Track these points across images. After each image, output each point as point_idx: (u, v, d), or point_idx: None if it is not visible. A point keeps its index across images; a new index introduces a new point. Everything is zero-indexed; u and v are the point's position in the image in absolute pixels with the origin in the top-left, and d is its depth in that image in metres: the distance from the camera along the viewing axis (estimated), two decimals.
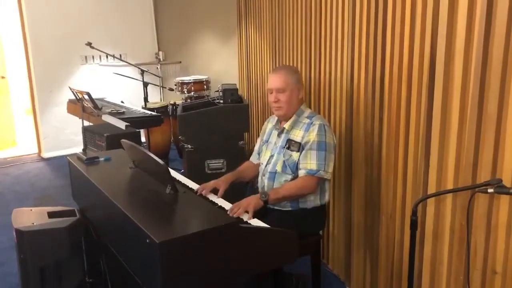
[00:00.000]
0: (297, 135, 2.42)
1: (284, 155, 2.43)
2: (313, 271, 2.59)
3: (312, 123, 2.40)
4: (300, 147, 2.38)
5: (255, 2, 4.57)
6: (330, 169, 2.37)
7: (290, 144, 2.43)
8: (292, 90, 2.41)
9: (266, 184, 2.49)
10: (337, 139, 2.91)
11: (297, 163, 2.38)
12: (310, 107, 3.28)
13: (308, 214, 2.44)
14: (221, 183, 2.42)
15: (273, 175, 2.46)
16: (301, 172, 2.36)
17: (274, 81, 2.44)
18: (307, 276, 2.67)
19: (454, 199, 1.96)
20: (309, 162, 2.34)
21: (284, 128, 2.47)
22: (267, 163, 2.52)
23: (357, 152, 2.70)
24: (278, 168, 2.44)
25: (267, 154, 2.55)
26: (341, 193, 2.95)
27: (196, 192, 2.34)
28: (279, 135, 2.52)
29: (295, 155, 2.39)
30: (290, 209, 2.43)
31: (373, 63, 2.45)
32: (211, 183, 2.40)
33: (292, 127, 2.45)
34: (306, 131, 2.39)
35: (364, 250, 2.73)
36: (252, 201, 2.17)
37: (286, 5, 3.67)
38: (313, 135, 2.35)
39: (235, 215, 2.07)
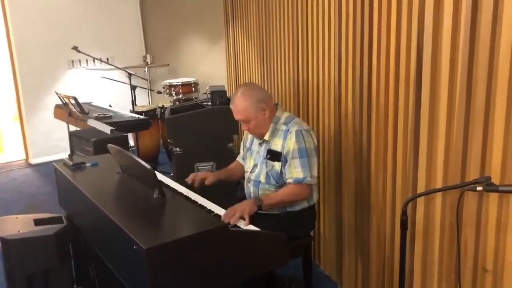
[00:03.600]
0: (277, 144, 2.39)
1: (267, 165, 2.42)
2: (304, 272, 2.58)
3: (288, 130, 2.35)
4: (281, 156, 2.36)
5: (242, 4, 4.55)
6: (315, 173, 2.36)
7: (270, 154, 2.41)
8: (256, 116, 2.36)
9: (251, 190, 2.49)
10: (326, 141, 2.91)
11: (280, 173, 2.37)
12: (298, 109, 3.27)
13: (296, 216, 2.43)
14: (211, 175, 2.50)
15: (257, 183, 2.46)
16: (289, 181, 2.35)
17: (236, 113, 2.40)
18: (299, 278, 2.66)
19: (443, 197, 1.95)
20: (294, 171, 2.32)
21: (264, 139, 2.44)
22: (251, 171, 2.51)
23: (346, 152, 2.69)
24: (262, 178, 2.43)
25: (251, 163, 2.54)
26: (331, 194, 2.94)
27: (186, 196, 2.33)
28: (260, 144, 2.49)
29: (277, 165, 2.38)
30: (277, 212, 2.41)
31: (360, 63, 2.44)
32: (201, 173, 2.51)
33: (272, 136, 2.42)
34: (284, 139, 2.36)
35: (355, 251, 2.72)
36: (247, 207, 2.16)
37: (272, 6, 3.66)
38: (291, 143, 2.32)
39: (231, 223, 2.06)
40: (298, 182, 2.32)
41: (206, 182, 2.43)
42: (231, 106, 2.42)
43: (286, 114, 2.47)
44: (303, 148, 2.31)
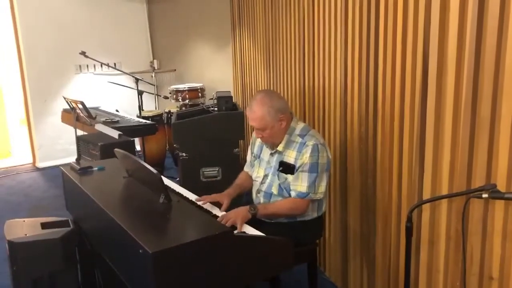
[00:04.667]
0: (291, 156, 2.32)
1: (279, 177, 2.36)
2: (309, 278, 2.57)
3: (305, 143, 2.28)
4: (294, 169, 2.31)
5: (249, 10, 4.58)
6: (321, 189, 2.31)
7: (283, 167, 2.34)
8: (272, 125, 2.28)
9: (261, 201, 2.44)
10: (331, 147, 2.91)
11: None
12: (304, 116, 3.28)
13: (305, 225, 2.41)
14: (224, 197, 2.37)
15: (269, 195, 2.41)
16: (292, 194, 2.32)
17: (251, 119, 2.30)
18: (304, 284, 2.65)
19: (449, 204, 1.95)
20: (300, 184, 2.28)
21: (277, 149, 2.38)
22: (262, 183, 2.45)
23: (352, 159, 2.69)
24: (274, 190, 2.38)
25: (261, 172, 2.47)
26: (336, 200, 2.94)
27: (192, 201, 2.33)
28: (272, 154, 2.42)
29: (290, 177, 2.33)
30: (285, 221, 2.39)
31: (366, 70, 2.45)
32: (213, 196, 2.36)
33: (285, 147, 2.35)
34: (299, 152, 2.29)
35: (361, 257, 2.72)
36: (240, 214, 2.15)
37: (279, 13, 3.68)
38: (306, 157, 2.26)
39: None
40: (299, 197, 2.28)
41: (223, 210, 2.30)
42: (247, 111, 2.33)
43: (301, 125, 2.39)
44: (316, 164, 2.26)
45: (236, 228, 2.06)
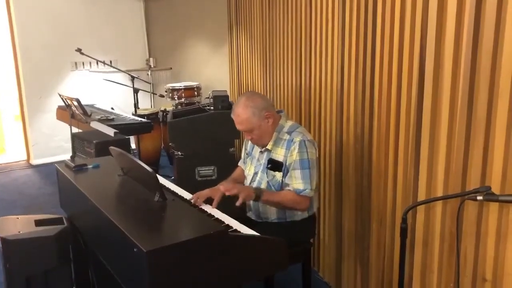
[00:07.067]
0: (279, 153, 2.34)
1: (268, 175, 2.38)
2: (303, 279, 2.58)
3: (292, 140, 2.30)
4: (283, 167, 2.32)
5: (246, 9, 4.57)
6: (314, 186, 2.32)
7: (272, 164, 2.36)
8: (259, 125, 2.30)
9: (251, 201, 2.40)
10: (327, 147, 2.91)
11: (282, 183, 2.34)
12: (300, 116, 3.28)
13: (297, 225, 2.41)
14: (216, 192, 2.31)
15: None
16: (289, 190, 2.31)
17: (238, 123, 2.33)
18: (298, 284, 2.65)
19: (443, 206, 1.96)
20: (295, 182, 2.29)
21: (266, 148, 2.39)
22: (252, 180, 2.46)
23: (347, 159, 2.69)
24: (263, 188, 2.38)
25: (251, 170, 2.49)
26: (331, 201, 2.94)
27: (187, 200, 2.33)
28: (262, 152, 2.43)
29: (278, 175, 2.34)
30: (277, 221, 2.40)
31: (363, 70, 2.45)
32: (206, 192, 2.32)
33: (274, 145, 2.36)
34: (287, 149, 2.31)
35: (355, 258, 2.72)
36: (245, 189, 2.18)
37: (276, 13, 3.68)
38: (295, 154, 2.27)
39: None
40: (298, 193, 2.29)
41: (212, 206, 2.23)
42: (232, 116, 2.35)
43: (290, 123, 2.41)
44: (305, 160, 2.27)
45: (231, 227, 2.06)
